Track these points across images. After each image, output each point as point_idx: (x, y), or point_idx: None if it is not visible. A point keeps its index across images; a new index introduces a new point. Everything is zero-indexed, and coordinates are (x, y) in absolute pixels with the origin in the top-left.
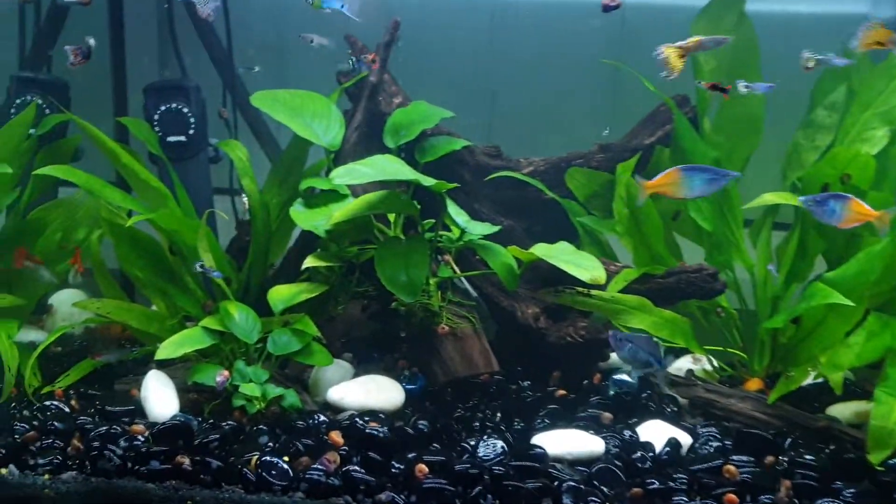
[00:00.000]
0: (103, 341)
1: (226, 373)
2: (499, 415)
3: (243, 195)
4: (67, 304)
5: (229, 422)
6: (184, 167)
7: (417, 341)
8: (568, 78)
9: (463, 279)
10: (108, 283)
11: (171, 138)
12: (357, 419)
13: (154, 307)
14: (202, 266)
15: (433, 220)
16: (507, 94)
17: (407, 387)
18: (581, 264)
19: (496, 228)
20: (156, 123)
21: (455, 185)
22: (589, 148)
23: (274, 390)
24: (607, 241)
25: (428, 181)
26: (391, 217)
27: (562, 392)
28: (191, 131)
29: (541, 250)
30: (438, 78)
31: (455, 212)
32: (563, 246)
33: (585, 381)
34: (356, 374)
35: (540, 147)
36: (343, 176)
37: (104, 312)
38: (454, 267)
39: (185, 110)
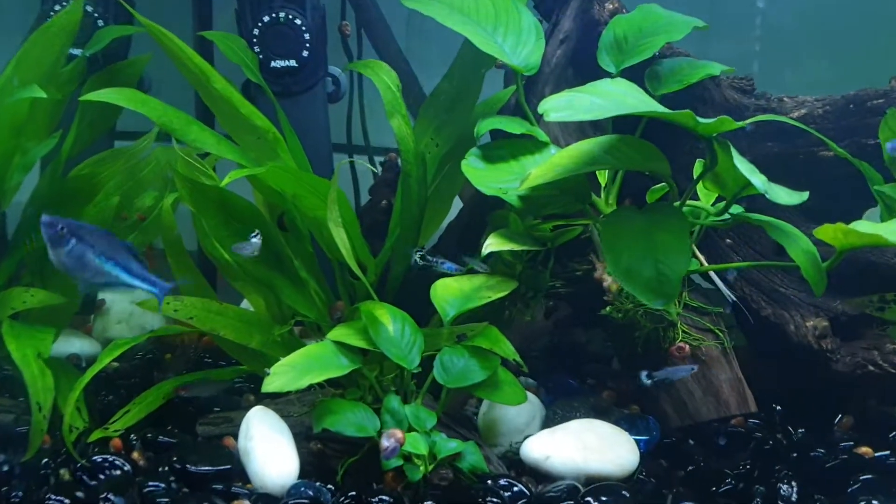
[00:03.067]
0: (177, 355)
1: (399, 433)
2: (787, 488)
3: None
4: (125, 301)
5: (381, 496)
6: (294, 105)
7: (637, 366)
8: None
9: (715, 277)
10: (188, 271)
11: (278, 63)
12: (585, 497)
13: (247, 304)
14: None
15: (664, 186)
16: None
17: (635, 437)
18: None
19: (804, 196)
20: (255, 41)
21: (740, 124)
22: (889, 83)
23: (447, 444)
24: None
25: (701, 122)
26: (601, 178)
27: (865, 449)
28: (305, 53)
29: (870, 229)
30: None
31: (746, 168)
32: None
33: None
34: (549, 415)
35: (804, 83)
36: (560, 110)
37: (185, 318)
38: (699, 256)
39: (299, 23)
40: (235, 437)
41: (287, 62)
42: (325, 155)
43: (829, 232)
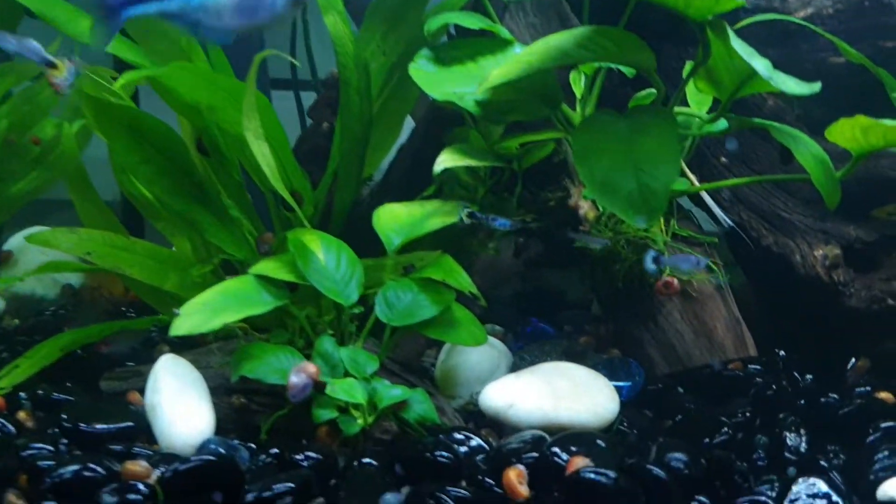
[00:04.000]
0: (99, 311)
1: (310, 366)
2: (794, 437)
3: None
4: (36, 252)
5: (308, 452)
6: None
7: (618, 305)
8: None
9: (709, 200)
10: (93, 205)
11: None
12: (552, 447)
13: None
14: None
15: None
16: None
17: (615, 384)
18: None
19: (816, 87)
20: None
21: (739, 1)
22: None
23: (390, 391)
24: None
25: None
26: (577, 89)
27: (886, 395)
28: None
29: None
30: None
31: (745, 51)
32: None
33: None
34: (515, 362)
35: None
36: None
37: (82, 253)
38: (690, 174)
39: None
40: (143, 392)
41: None
42: (258, 82)
43: (844, 130)
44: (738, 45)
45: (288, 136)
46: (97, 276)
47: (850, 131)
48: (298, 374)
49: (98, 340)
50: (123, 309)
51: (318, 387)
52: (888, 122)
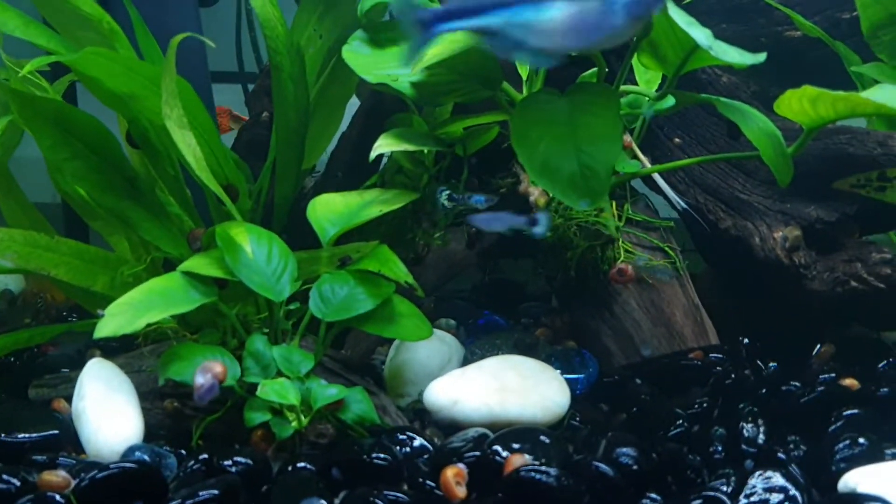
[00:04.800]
0: (40, 317)
1: (217, 365)
2: (752, 428)
3: None
4: None
5: (239, 457)
6: (153, 5)
7: (573, 295)
8: None
9: (662, 182)
10: (17, 205)
11: None
12: (493, 445)
13: (115, 248)
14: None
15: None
16: None
17: (568, 377)
18: None
19: (760, 57)
20: None
21: None
22: None
23: (325, 391)
24: None
25: None
26: (522, 70)
27: (850, 381)
28: None
29: (845, 94)
30: None
31: (684, 20)
32: (887, 89)
33: (885, 363)
34: (467, 356)
35: None
36: None
37: (2, 254)
38: (640, 156)
39: None
40: (72, 398)
41: None
42: (195, 71)
43: (793, 102)
44: (676, 14)
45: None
46: (37, 280)
47: (798, 103)
48: (204, 373)
49: (27, 346)
50: (65, 314)
51: (249, 388)
52: (836, 92)
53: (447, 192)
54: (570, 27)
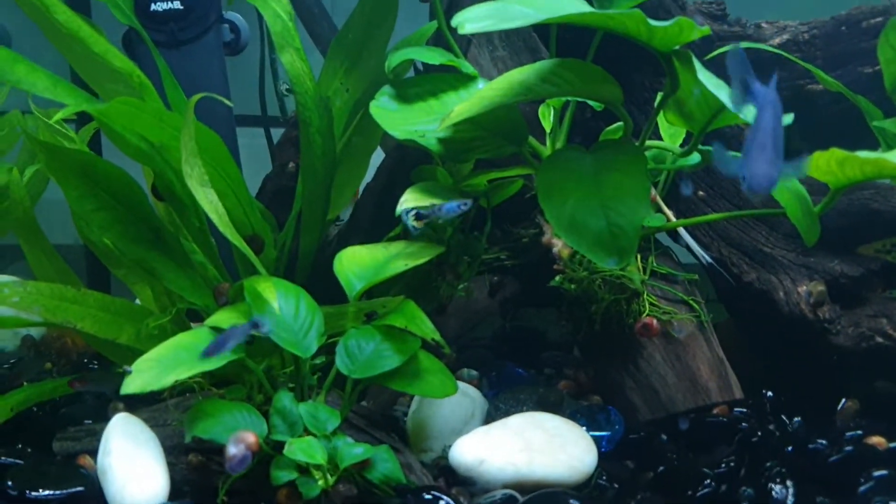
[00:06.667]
0: (61, 363)
1: (250, 436)
2: (781, 489)
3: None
4: None
5: None
6: (181, 57)
7: (597, 348)
8: None
9: (686, 236)
10: (43, 254)
11: (159, 5)
12: None
13: (139, 301)
14: (411, 212)
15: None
16: None
17: (593, 434)
18: None
19: (788, 118)
20: None
21: (704, 30)
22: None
23: (352, 450)
24: None
25: (654, 26)
26: (546, 123)
27: (878, 439)
28: None
29: (873, 155)
30: None
31: (712, 82)
32: None
33: None
34: (490, 411)
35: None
36: (479, 20)
37: (28, 308)
38: (665, 210)
39: None
40: (96, 454)
41: (170, 4)
42: (221, 120)
43: (820, 163)
44: (704, 76)
45: (260, 174)
46: (58, 326)
47: (825, 165)
48: (237, 444)
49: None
50: (85, 360)
51: (276, 445)
52: (864, 154)
53: (413, 211)
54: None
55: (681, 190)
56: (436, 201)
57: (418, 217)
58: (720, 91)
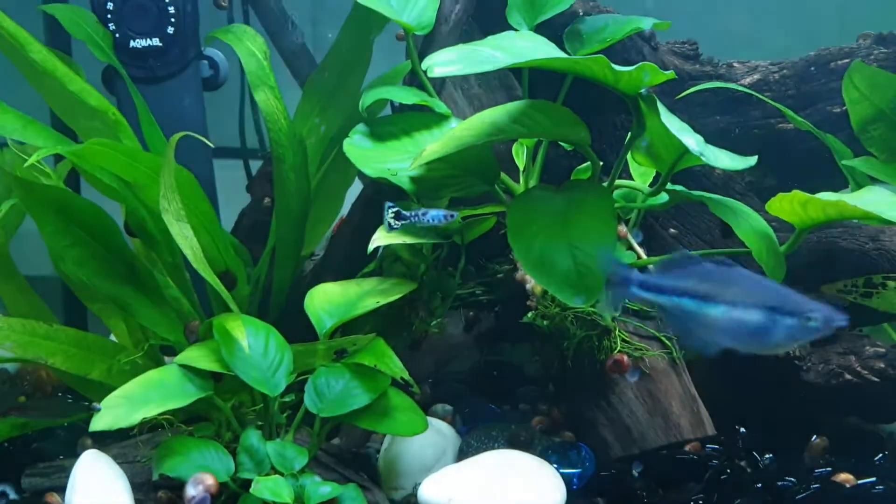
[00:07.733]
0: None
1: (208, 478)
2: None
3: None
4: None
5: None
6: (160, 93)
7: (569, 384)
8: None
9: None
10: (16, 289)
11: (138, 42)
12: None
13: (114, 338)
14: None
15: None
16: None
17: (564, 471)
18: None
19: (751, 161)
20: (109, 16)
21: (668, 74)
22: (857, 41)
23: (319, 489)
24: None
25: (619, 71)
26: (519, 161)
27: (845, 476)
28: (170, 30)
29: (834, 197)
30: None
31: (676, 125)
32: (877, 192)
33: (881, 455)
34: (462, 447)
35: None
36: (448, 64)
37: (0, 343)
38: (636, 247)
39: None
40: (64, 491)
41: (149, 41)
42: (199, 154)
43: (784, 204)
44: (668, 120)
45: (239, 206)
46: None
47: (789, 205)
48: (196, 485)
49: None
50: (60, 394)
51: (243, 484)
52: (826, 196)
53: (395, 209)
54: (729, 330)
55: (632, 237)
56: (408, 240)
57: (398, 217)
58: (684, 135)
